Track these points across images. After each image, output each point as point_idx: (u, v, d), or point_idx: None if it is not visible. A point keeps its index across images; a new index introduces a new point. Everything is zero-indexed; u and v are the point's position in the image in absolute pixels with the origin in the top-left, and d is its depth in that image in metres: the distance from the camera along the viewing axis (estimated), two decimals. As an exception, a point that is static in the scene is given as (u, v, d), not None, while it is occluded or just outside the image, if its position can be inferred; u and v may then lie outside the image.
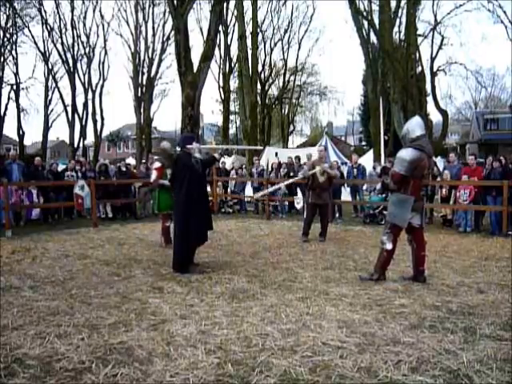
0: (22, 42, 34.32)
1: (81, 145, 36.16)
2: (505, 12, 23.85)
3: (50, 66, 34.20)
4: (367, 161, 16.64)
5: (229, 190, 13.87)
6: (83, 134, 35.75)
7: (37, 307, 4.27)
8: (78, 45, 33.80)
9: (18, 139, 35.14)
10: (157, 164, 7.43)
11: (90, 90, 35.08)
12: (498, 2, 26.53)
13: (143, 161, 19.21)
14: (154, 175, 7.36)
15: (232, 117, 38.64)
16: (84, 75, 34.89)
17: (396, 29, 23.42)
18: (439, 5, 30.10)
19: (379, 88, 24.41)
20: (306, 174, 8.13)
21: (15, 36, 32.12)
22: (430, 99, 29.01)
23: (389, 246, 5.14)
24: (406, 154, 4.94)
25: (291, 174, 12.56)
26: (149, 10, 33.18)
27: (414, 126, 5.09)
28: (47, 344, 3.37)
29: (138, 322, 3.86)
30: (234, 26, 30.03)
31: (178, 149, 6.22)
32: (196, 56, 14.94)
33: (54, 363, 3.06)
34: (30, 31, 32.68)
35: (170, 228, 6.99)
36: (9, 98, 33.14)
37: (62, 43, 33.11)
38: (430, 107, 32.45)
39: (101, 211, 11.87)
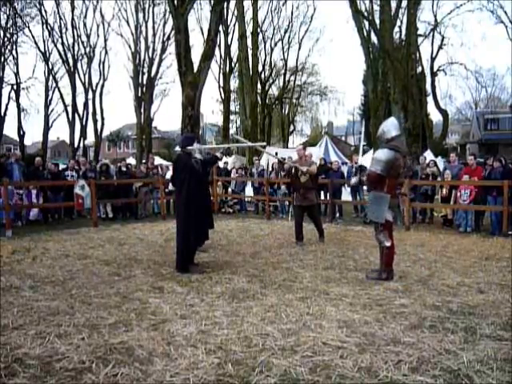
0: (22, 42, 34.62)
1: (81, 145, 36.21)
2: (505, 12, 23.95)
3: (51, 66, 34.31)
4: (367, 161, 16.63)
5: (229, 189, 13.88)
6: (83, 134, 35.80)
7: (37, 307, 4.27)
8: (79, 44, 33.94)
9: (18, 139, 35.20)
10: None
11: (90, 89, 35.15)
12: (499, 3, 26.63)
13: (143, 161, 19.20)
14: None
15: (232, 117, 38.73)
16: (84, 75, 35.04)
17: (396, 29, 23.47)
18: (439, 5, 30.16)
19: (380, 88, 24.43)
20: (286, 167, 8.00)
21: (15, 36, 32.24)
22: (430, 99, 29.13)
23: (387, 243, 5.23)
24: (382, 154, 5.11)
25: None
26: (149, 9, 33.23)
27: (389, 127, 5.26)
28: (47, 344, 3.37)
29: (138, 321, 3.86)
30: (234, 25, 30.11)
31: (179, 149, 6.23)
32: (196, 56, 14.97)
33: (54, 363, 3.06)
34: (30, 31, 32.81)
35: None
36: (9, 98, 33.28)
37: (63, 43, 33.23)
38: (431, 107, 32.60)
39: (101, 211, 11.86)
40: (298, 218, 7.92)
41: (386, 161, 5.05)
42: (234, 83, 33.59)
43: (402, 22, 23.80)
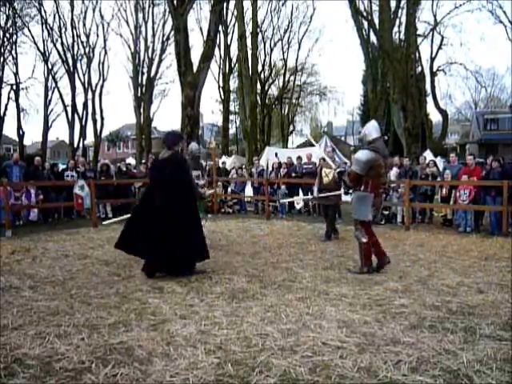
0: (21, 42, 34.20)
1: (81, 145, 36.18)
2: (504, 12, 23.99)
3: (50, 66, 34.22)
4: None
5: (229, 189, 13.87)
6: (83, 134, 35.76)
7: (37, 307, 4.27)
8: (78, 45, 33.86)
9: (17, 139, 35.16)
10: None
11: (89, 89, 35.10)
12: (498, 3, 26.64)
13: (143, 161, 19.20)
14: None
15: (232, 117, 38.76)
16: (84, 75, 34.96)
17: (396, 29, 23.46)
18: (439, 5, 30.10)
19: (379, 88, 24.43)
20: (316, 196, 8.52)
21: (15, 36, 32.18)
22: (429, 99, 29.10)
23: (364, 239, 5.54)
24: (362, 155, 5.47)
25: (293, 174, 12.58)
26: (149, 9, 33.26)
27: (370, 130, 5.61)
28: (47, 344, 3.37)
29: (137, 321, 3.86)
30: (233, 25, 30.09)
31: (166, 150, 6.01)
32: (196, 56, 14.93)
33: (53, 363, 3.06)
34: (29, 31, 32.68)
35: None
36: (9, 98, 33.21)
37: (62, 43, 33.13)
38: (430, 107, 32.52)
39: (101, 211, 11.86)
40: (330, 214, 8.39)
41: (365, 161, 5.42)
42: (233, 83, 33.65)
43: (401, 22, 23.80)
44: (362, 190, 5.51)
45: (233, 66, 32.45)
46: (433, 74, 28.35)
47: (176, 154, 5.62)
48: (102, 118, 36.22)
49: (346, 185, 5.77)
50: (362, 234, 5.55)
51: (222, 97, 33.79)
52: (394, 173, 11.26)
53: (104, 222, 7.56)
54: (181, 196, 5.43)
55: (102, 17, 34.40)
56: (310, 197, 9.75)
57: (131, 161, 27.61)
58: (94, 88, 35.30)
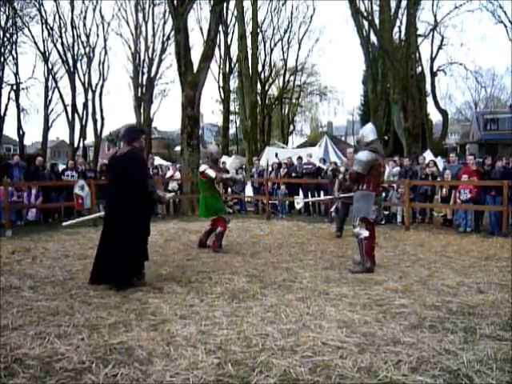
0: (21, 42, 34.22)
1: (81, 145, 36.19)
2: (505, 12, 23.98)
3: (50, 66, 34.25)
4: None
5: (229, 189, 13.86)
6: (83, 134, 35.76)
7: (37, 307, 4.27)
8: (78, 45, 33.85)
9: (18, 139, 35.18)
10: (204, 166, 7.16)
11: (89, 89, 35.08)
12: (499, 3, 26.62)
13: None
14: (211, 173, 6.99)
15: (232, 117, 38.70)
16: (84, 75, 34.95)
17: (396, 29, 23.46)
18: (439, 5, 30.05)
19: (379, 88, 24.43)
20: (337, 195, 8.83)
21: (15, 36, 32.22)
22: (429, 99, 29.10)
23: (365, 233, 5.64)
24: (363, 156, 5.68)
25: (293, 174, 12.60)
26: (149, 9, 33.28)
27: (367, 132, 5.86)
28: (47, 344, 3.36)
29: (138, 322, 3.86)
30: (234, 26, 30.09)
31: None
32: (196, 56, 14.88)
33: (53, 363, 3.06)
34: (29, 31, 32.69)
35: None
36: (9, 98, 33.28)
37: (62, 43, 33.13)
38: (430, 107, 32.51)
39: (101, 211, 11.85)
40: (341, 212, 8.79)
41: (366, 161, 5.60)
42: (233, 83, 33.63)
43: (401, 22, 23.80)
44: (365, 188, 5.67)
45: (233, 66, 32.44)
46: (433, 74, 28.35)
47: (134, 151, 5.10)
48: (102, 118, 36.26)
49: (343, 184, 6.10)
50: (362, 229, 5.64)
51: (222, 97, 33.80)
52: (395, 172, 11.26)
53: (64, 224, 6.94)
54: (134, 198, 4.96)
55: (102, 17, 34.41)
56: (330, 196, 10.16)
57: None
58: (94, 88, 35.30)
